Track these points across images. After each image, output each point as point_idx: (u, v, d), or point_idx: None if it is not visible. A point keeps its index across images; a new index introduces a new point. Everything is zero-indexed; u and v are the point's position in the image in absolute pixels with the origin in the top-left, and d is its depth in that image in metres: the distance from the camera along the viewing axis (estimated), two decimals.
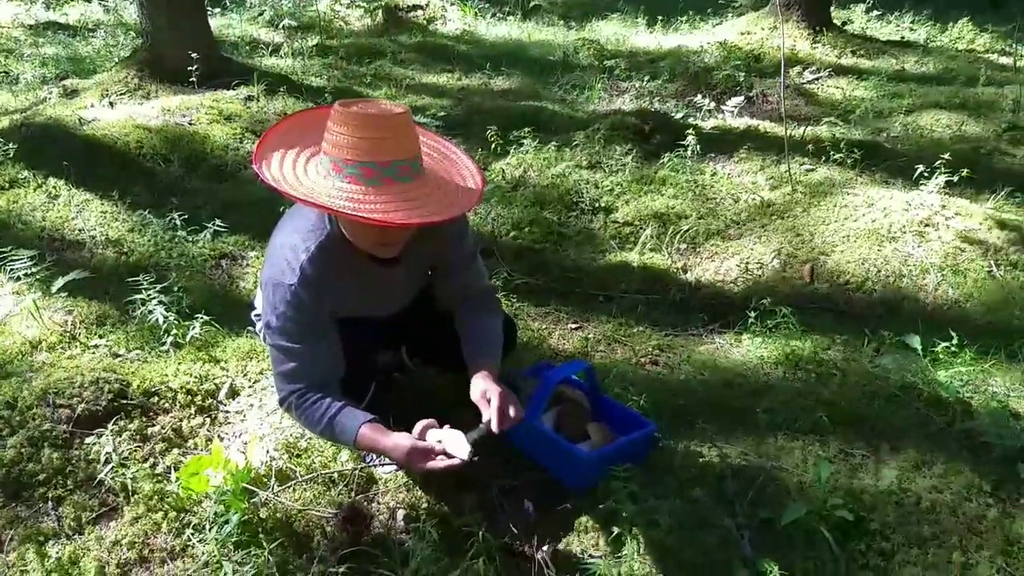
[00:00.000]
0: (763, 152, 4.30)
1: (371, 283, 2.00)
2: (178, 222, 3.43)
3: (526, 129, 4.28)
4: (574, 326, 2.99)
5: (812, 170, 4.07)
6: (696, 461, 2.11)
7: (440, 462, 1.82)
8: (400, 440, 1.85)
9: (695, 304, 3.11)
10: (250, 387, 2.47)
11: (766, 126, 4.76)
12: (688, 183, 3.89)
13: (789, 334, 2.77)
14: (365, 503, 2.03)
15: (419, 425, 1.90)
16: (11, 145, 3.86)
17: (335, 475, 2.10)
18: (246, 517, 1.93)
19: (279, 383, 1.95)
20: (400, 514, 2.02)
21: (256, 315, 2.30)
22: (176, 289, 2.89)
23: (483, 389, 1.90)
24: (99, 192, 3.75)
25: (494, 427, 1.82)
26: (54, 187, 3.77)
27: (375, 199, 1.68)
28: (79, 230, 3.52)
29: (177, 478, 2.03)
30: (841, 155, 4.08)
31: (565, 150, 4.20)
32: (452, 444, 1.84)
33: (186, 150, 4.22)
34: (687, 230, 3.49)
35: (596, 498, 1.97)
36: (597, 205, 3.74)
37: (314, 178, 1.76)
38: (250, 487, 2.00)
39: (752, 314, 2.82)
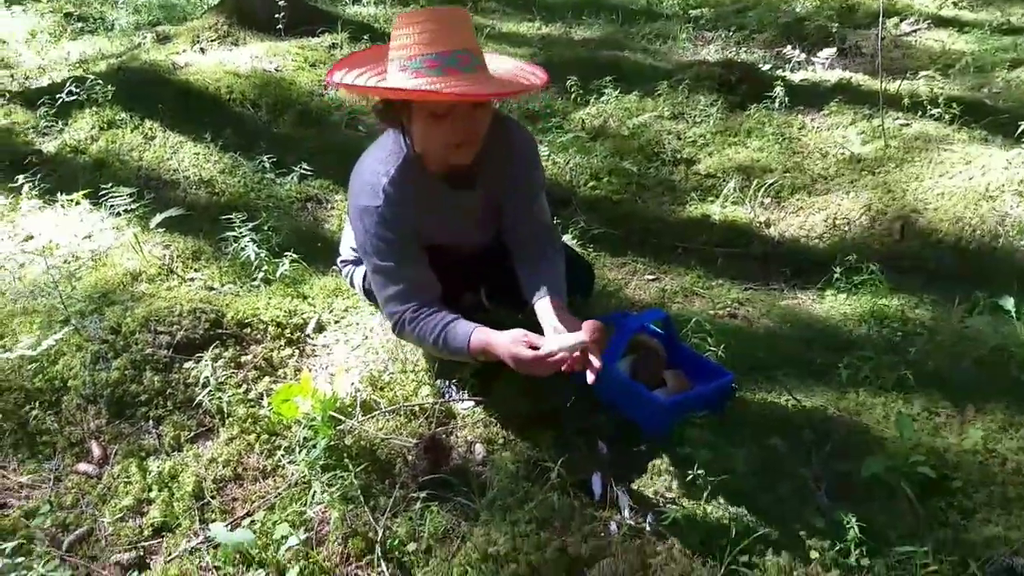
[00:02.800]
0: (855, 106, 4.13)
1: (450, 208, 2.04)
2: (267, 165, 3.54)
3: (607, 78, 4.22)
4: (651, 277, 2.98)
5: (907, 125, 3.90)
6: (774, 412, 2.10)
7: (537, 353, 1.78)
8: (506, 338, 1.82)
9: (777, 259, 3.06)
10: (335, 323, 2.56)
11: (859, 79, 4.57)
12: (774, 136, 3.79)
13: (876, 292, 2.70)
14: (444, 435, 2.10)
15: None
16: (109, 88, 4.02)
17: (416, 408, 2.17)
18: (332, 443, 2.02)
19: (389, 308, 1.99)
20: (478, 447, 2.08)
21: (342, 261, 2.36)
22: (266, 228, 3.00)
23: (554, 325, 1.89)
24: (192, 135, 3.89)
25: (587, 336, 1.78)
26: (150, 128, 3.92)
27: (440, 83, 1.73)
28: (174, 170, 3.67)
29: (269, 404, 2.13)
30: (939, 110, 3.89)
31: (647, 100, 4.13)
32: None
33: (273, 96, 4.32)
34: (772, 184, 3.41)
35: (671, 443, 1.99)
36: (679, 156, 3.69)
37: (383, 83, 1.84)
38: (336, 415, 2.09)
39: (838, 270, 2.75)
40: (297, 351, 2.42)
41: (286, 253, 2.77)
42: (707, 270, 3.00)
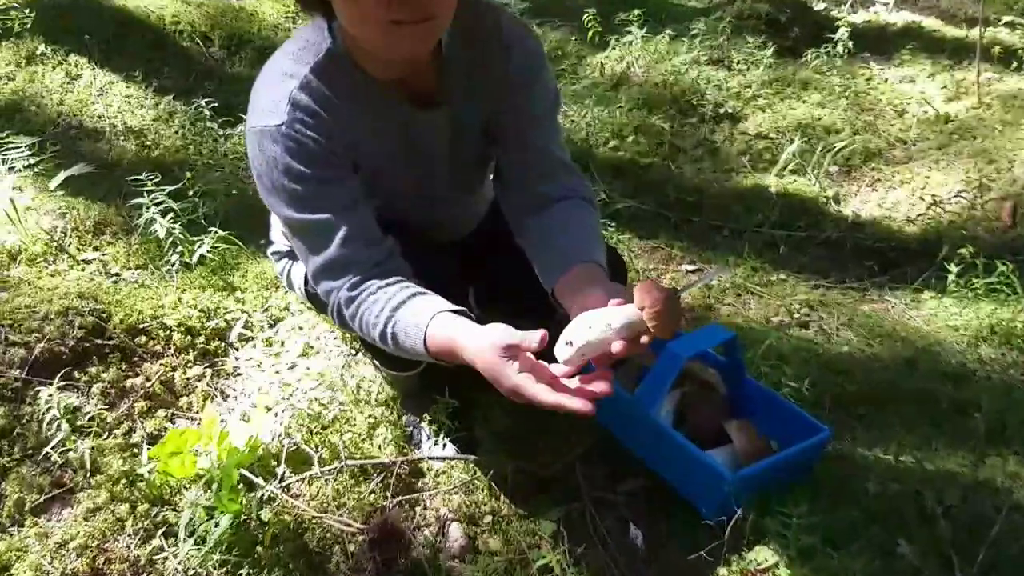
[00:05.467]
0: (931, 55, 3.42)
1: (399, 132, 1.31)
2: (207, 111, 2.83)
3: (634, 13, 3.47)
4: (691, 268, 2.30)
5: (998, 79, 3.18)
6: (888, 487, 1.43)
7: (535, 385, 1.03)
8: (483, 343, 1.07)
9: (855, 247, 2.37)
10: (270, 327, 1.89)
11: (931, 23, 3.83)
12: (838, 89, 3.07)
13: (996, 298, 2.03)
14: (407, 509, 1.45)
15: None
16: (29, 14, 3.29)
17: (368, 466, 1.51)
18: (242, 519, 1.37)
19: (323, 286, 1.28)
20: (454, 530, 1.43)
21: (275, 252, 1.67)
22: (192, 193, 2.31)
23: (584, 304, 1.11)
24: (124, 73, 3.18)
25: (651, 324, 1.03)
26: (75, 65, 3.21)
27: None
28: (98, 116, 2.97)
29: (151, 457, 1.47)
30: None
31: (681, 42, 3.39)
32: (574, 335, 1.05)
33: (229, 28, 3.58)
34: (841, 149, 2.71)
35: (738, 532, 1.33)
36: (721, 111, 2.97)
37: None
38: (250, 474, 1.44)
39: (953, 269, 2.06)
40: (210, 370, 1.75)
41: (211, 228, 2.09)
42: (764, 259, 2.32)
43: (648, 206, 2.56)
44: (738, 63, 3.27)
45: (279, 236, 1.61)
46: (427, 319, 1.15)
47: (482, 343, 1.07)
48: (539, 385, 1.03)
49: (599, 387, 1.02)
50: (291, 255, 1.60)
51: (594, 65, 3.36)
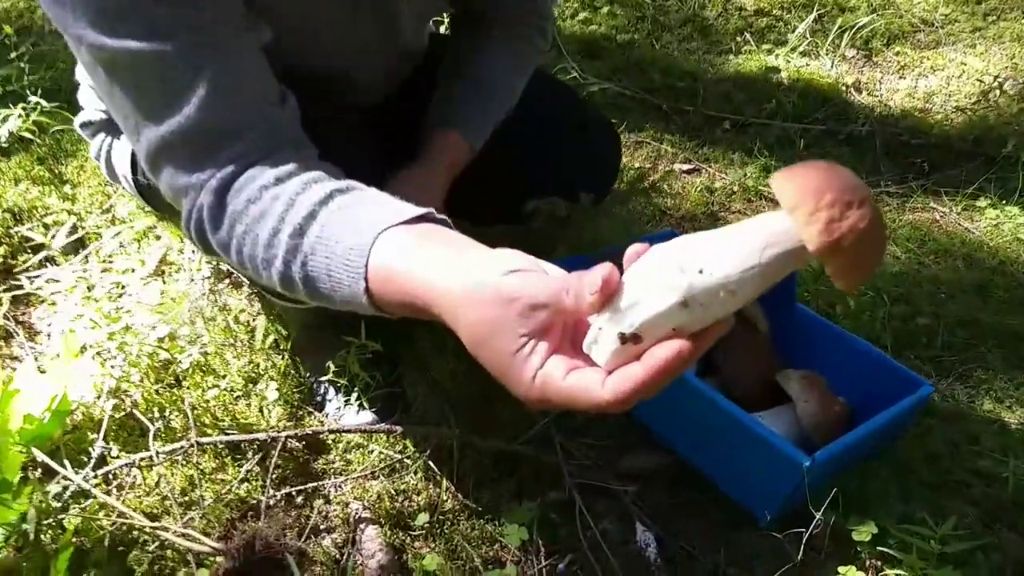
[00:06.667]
0: None
1: None
2: None
3: None
4: (687, 167, 1.80)
5: None
6: (1004, 464, 0.98)
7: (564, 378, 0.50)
8: (478, 281, 0.53)
9: (886, 143, 1.90)
10: (108, 228, 1.33)
11: None
12: None
13: None
14: (295, 511, 0.94)
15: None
16: None
17: (242, 441, 0.99)
18: (25, 528, 0.85)
19: (163, 171, 0.70)
20: (371, 537, 0.93)
21: (84, 124, 1.08)
22: (16, 56, 1.69)
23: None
24: None
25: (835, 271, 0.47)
26: None
27: None
28: None
29: None
30: None
31: None
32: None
33: None
34: (858, 29, 2.21)
35: (809, 545, 0.87)
36: None
37: None
38: (48, 458, 0.91)
39: None
40: (9, 296, 1.19)
41: (32, 99, 1.48)
42: (777, 158, 1.83)
43: (630, 92, 2.03)
44: None
45: (90, 96, 1.04)
46: (367, 244, 0.59)
47: (473, 292, 0.53)
48: (585, 372, 0.50)
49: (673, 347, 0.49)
50: (112, 126, 1.03)
51: None
